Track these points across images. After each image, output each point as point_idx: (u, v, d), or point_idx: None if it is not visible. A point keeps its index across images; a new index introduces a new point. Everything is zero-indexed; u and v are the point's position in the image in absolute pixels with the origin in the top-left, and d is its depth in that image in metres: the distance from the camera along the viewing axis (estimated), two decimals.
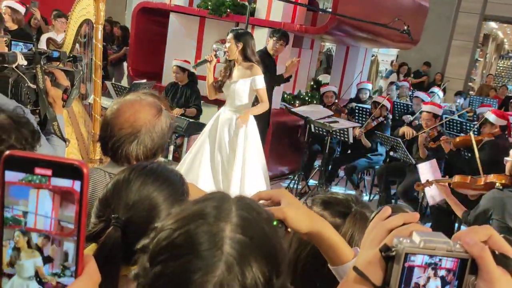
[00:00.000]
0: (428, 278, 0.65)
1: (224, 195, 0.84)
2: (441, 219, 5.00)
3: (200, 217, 0.78)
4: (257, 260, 0.76)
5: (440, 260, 0.65)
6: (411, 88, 9.25)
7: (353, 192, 6.37)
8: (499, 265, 0.64)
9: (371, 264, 0.68)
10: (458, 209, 3.90)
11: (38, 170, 0.55)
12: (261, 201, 1.00)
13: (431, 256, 0.64)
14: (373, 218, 0.77)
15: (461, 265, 0.65)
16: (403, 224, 0.71)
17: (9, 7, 5.74)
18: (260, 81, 4.31)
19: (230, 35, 4.32)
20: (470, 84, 14.20)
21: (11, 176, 0.55)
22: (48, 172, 0.55)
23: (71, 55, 2.63)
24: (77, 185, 0.56)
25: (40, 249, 0.57)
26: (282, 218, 0.96)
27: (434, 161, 4.57)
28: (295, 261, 1.14)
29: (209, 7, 6.27)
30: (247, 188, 4.29)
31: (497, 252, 0.65)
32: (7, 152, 0.55)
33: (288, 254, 1.15)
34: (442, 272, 0.65)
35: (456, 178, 4.02)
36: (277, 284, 0.78)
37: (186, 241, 0.75)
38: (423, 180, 4.29)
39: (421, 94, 7.55)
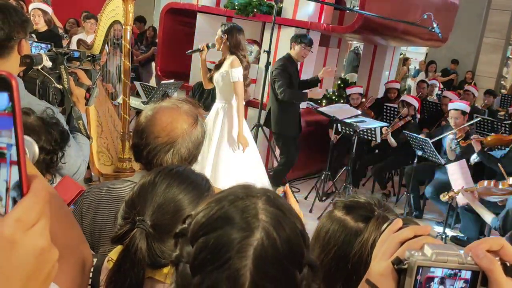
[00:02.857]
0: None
1: (248, 183, 0.89)
2: (472, 220, 4.91)
3: (232, 195, 0.83)
4: (290, 228, 0.81)
5: (460, 270, 0.65)
6: (441, 87, 9.08)
7: (380, 193, 6.31)
8: (510, 277, 0.64)
9: (383, 276, 0.69)
10: (487, 216, 3.84)
11: None
12: None
13: (457, 269, 0.65)
14: (384, 230, 0.78)
15: (473, 277, 0.65)
16: (415, 237, 0.72)
17: (38, 9, 5.88)
18: (235, 74, 4.31)
19: (220, 28, 4.46)
20: (502, 82, 13.88)
21: None
22: None
23: (89, 54, 2.68)
24: (7, 101, 0.52)
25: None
26: None
27: (463, 161, 4.49)
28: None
29: (236, 7, 6.30)
30: (220, 183, 4.26)
31: (508, 264, 0.65)
32: None
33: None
34: (461, 283, 0.66)
35: (480, 184, 3.95)
36: (307, 256, 0.82)
37: (224, 214, 0.80)
38: (451, 181, 4.23)
39: (449, 94, 7.41)
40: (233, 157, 4.47)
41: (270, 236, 0.78)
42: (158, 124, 1.62)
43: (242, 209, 0.80)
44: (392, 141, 5.97)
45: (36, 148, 1.03)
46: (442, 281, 0.65)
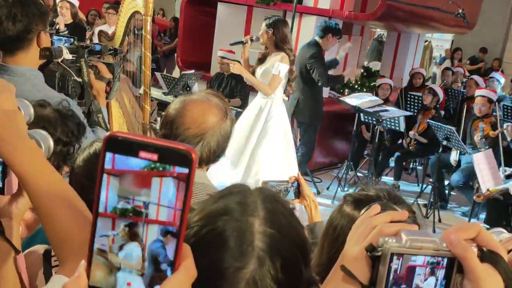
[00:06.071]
0: (427, 276, 0.63)
1: (245, 188, 0.83)
2: (497, 210, 4.83)
3: (227, 213, 0.77)
4: (287, 252, 0.77)
5: (442, 259, 0.63)
6: (466, 75, 8.90)
7: (403, 182, 6.23)
8: (487, 263, 0.62)
9: (357, 260, 0.68)
10: None
11: (143, 154, 0.52)
12: None
13: (432, 255, 0.63)
14: (362, 214, 0.76)
15: (449, 264, 0.63)
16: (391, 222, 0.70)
17: (66, 1, 5.94)
18: (281, 68, 4.20)
19: (264, 22, 4.34)
20: None
21: (128, 162, 0.52)
22: (154, 157, 0.52)
23: (111, 47, 2.68)
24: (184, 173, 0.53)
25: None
26: None
27: (490, 151, 4.40)
28: (327, 263, 1.12)
29: None
30: (254, 174, 4.21)
31: (485, 249, 0.63)
32: (109, 133, 0.53)
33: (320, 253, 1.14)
34: (444, 272, 0.63)
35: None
36: (305, 274, 0.79)
37: (216, 238, 0.75)
38: (477, 171, 4.15)
39: (476, 77, 7.25)
40: (272, 151, 4.38)
41: (264, 266, 0.74)
42: (189, 116, 1.62)
43: (238, 234, 0.75)
44: (422, 139, 5.92)
45: (51, 142, 1.02)
46: (429, 271, 0.63)
